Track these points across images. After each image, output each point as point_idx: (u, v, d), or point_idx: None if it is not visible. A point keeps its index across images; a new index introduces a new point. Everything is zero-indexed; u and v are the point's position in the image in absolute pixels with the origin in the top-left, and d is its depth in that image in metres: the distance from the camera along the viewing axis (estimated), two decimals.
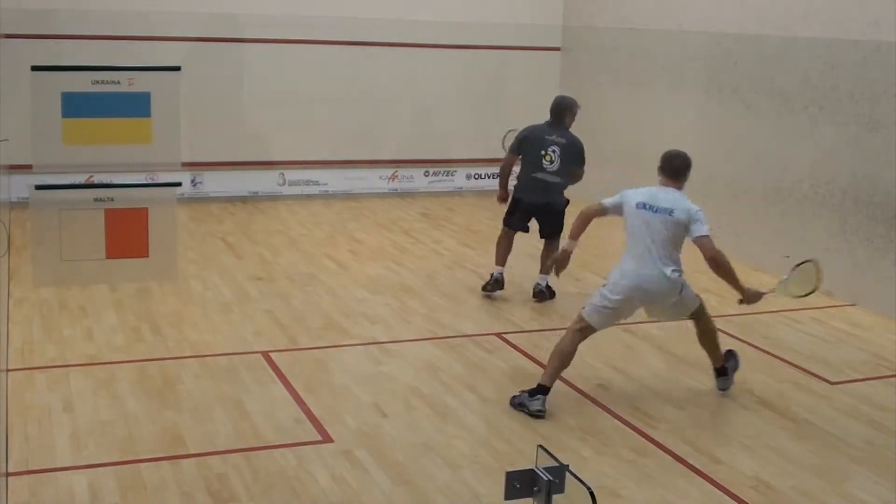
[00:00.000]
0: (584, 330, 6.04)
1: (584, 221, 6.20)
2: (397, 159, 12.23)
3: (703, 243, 5.97)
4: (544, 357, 6.79)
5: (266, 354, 6.65)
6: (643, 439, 5.57)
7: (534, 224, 8.20)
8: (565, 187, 8.03)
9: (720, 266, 5.97)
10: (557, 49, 12.66)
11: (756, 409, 6.07)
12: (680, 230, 6.00)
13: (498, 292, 8.10)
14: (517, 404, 5.94)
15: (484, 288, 8.10)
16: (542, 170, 7.88)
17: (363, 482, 4.94)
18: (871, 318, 8.03)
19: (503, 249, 8.14)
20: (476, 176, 12.66)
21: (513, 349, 6.96)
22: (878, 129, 8.18)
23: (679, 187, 6.22)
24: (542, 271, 8.06)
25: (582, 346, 7.02)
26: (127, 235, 4.31)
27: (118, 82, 4.29)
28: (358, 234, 10.21)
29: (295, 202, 11.59)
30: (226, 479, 4.90)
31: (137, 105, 4.32)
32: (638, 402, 6.08)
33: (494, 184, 12.71)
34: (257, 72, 11.45)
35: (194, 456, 5.13)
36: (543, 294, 8.03)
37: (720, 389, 6.37)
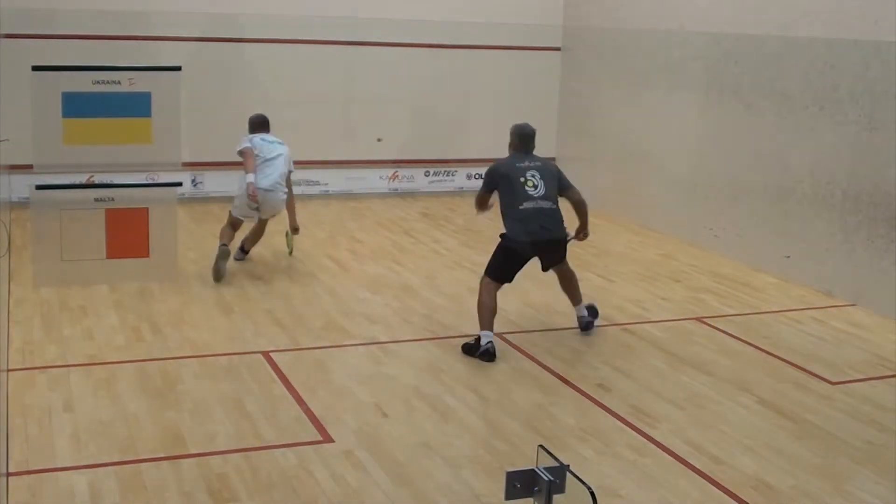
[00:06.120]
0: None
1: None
2: (397, 159, 12.23)
3: None
4: (544, 357, 6.81)
5: (266, 354, 6.65)
6: (643, 439, 5.57)
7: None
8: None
9: None
10: (557, 49, 12.66)
11: (756, 409, 6.07)
12: None
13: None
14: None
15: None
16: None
17: (363, 482, 4.94)
18: (872, 318, 8.03)
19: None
20: (476, 176, 12.64)
21: (513, 349, 6.96)
22: (878, 129, 8.18)
23: None
24: (576, 300, 7.32)
25: (582, 346, 7.06)
26: (127, 235, 4.31)
27: (118, 82, 4.29)
28: (358, 234, 10.21)
29: (295, 202, 11.56)
30: (226, 479, 4.90)
31: (138, 105, 4.32)
32: (638, 402, 6.08)
33: None
34: (257, 72, 11.45)
35: (194, 456, 5.13)
36: (590, 324, 7.31)
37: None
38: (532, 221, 6.86)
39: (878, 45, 8.15)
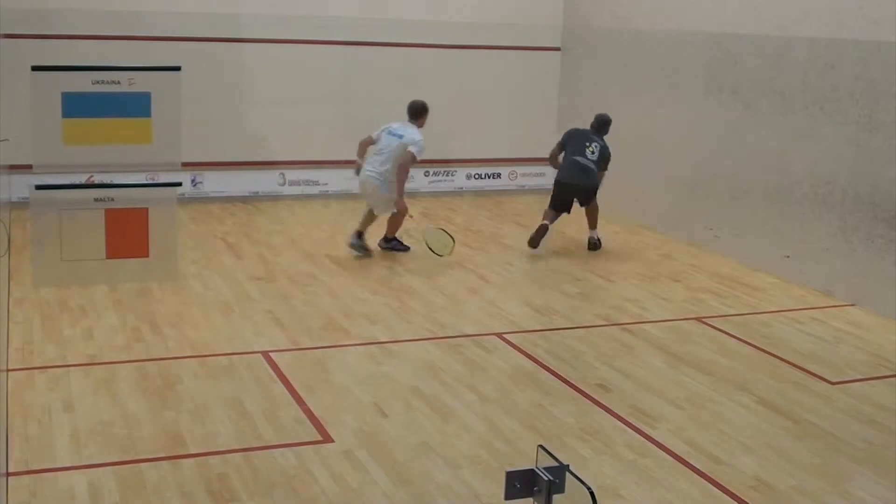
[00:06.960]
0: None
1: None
2: None
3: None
4: (544, 357, 6.81)
5: (266, 354, 6.65)
6: (643, 439, 5.57)
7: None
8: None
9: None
10: (557, 49, 12.66)
11: (756, 409, 6.07)
12: None
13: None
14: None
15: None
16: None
17: (363, 482, 4.95)
18: (871, 318, 8.03)
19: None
20: (476, 176, 12.66)
21: (513, 349, 6.96)
22: (878, 129, 8.18)
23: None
24: (591, 226, 9.95)
25: (582, 346, 7.06)
26: (127, 235, 4.30)
27: (118, 82, 4.28)
28: None
29: (295, 202, 11.59)
30: (226, 479, 4.90)
31: (138, 105, 4.31)
32: (638, 402, 6.08)
33: (495, 184, 12.85)
34: (257, 72, 11.45)
35: (194, 456, 5.13)
36: (596, 245, 9.86)
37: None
38: (571, 168, 9.68)
39: (878, 45, 8.15)
